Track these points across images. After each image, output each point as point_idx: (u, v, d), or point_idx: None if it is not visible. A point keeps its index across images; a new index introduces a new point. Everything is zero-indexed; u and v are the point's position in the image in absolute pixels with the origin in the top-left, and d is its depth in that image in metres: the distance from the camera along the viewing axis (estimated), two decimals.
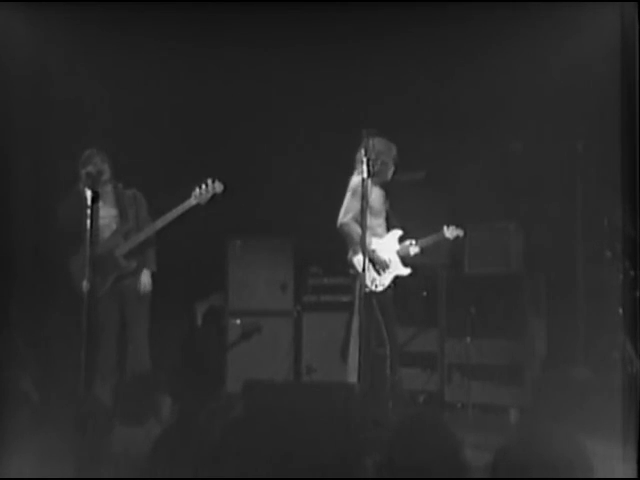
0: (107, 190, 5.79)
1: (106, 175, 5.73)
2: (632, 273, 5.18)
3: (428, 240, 6.19)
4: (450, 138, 5.87)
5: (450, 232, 6.28)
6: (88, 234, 5.00)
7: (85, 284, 5.07)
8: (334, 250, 6.92)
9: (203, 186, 5.65)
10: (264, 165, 7.25)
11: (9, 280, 6.05)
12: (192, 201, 5.63)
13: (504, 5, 5.72)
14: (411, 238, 6.13)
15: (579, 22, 5.67)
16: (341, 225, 5.97)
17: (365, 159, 4.83)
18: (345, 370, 5.94)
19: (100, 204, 5.56)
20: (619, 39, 5.08)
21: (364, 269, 4.98)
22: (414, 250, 6.12)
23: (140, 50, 6.51)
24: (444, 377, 6.74)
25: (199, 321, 7.33)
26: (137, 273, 5.81)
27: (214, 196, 5.65)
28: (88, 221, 4.99)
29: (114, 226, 5.83)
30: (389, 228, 6.17)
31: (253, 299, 7.45)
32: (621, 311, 5.32)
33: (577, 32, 5.73)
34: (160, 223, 5.68)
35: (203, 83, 7.01)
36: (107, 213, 5.84)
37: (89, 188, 5.04)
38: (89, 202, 4.98)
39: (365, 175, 4.79)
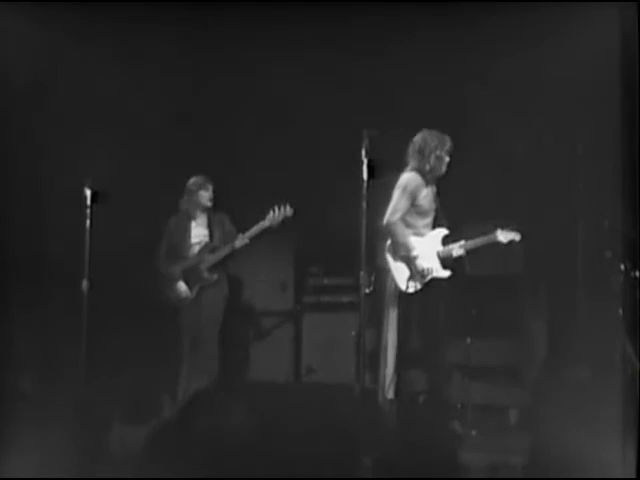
0: (204, 214, 6.54)
1: (211, 204, 6.50)
2: (632, 274, 5.17)
3: (477, 242, 5.76)
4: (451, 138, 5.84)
5: (504, 235, 5.74)
6: (88, 234, 5.02)
7: (85, 283, 5.11)
8: (334, 250, 6.97)
9: (276, 209, 6.25)
10: (264, 165, 7.24)
11: (9, 279, 6.05)
12: (266, 223, 6.24)
13: (504, 5, 5.72)
14: (457, 239, 5.78)
15: (579, 22, 5.66)
16: (387, 224, 5.68)
17: (366, 160, 4.78)
18: (376, 390, 5.62)
19: (193, 225, 6.49)
20: (619, 39, 5.08)
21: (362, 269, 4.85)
22: (458, 252, 5.76)
23: (141, 50, 6.52)
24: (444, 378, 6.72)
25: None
26: (217, 285, 6.45)
27: (285, 219, 6.24)
28: (88, 221, 5.02)
29: (203, 244, 6.51)
30: (435, 227, 5.86)
31: (253, 299, 7.44)
32: (621, 312, 5.31)
33: (577, 32, 5.72)
34: (238, 243, 6.31)
35: (203, 84, 7.03)
36: (199, 232, 6.54)
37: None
38: (88, 202, 5.01)
39: (365, 177, 4.75)
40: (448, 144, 5.70)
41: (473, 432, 5.60)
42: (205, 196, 6.47)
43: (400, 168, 5.81)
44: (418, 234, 5.74)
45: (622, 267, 5.33)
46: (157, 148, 7.08)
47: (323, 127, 6.94)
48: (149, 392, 5.72)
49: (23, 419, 4.73)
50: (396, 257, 5.71)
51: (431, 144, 5.67)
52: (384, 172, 5.61)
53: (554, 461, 3.99)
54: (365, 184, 4.63)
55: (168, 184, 6.89)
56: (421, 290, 5.66)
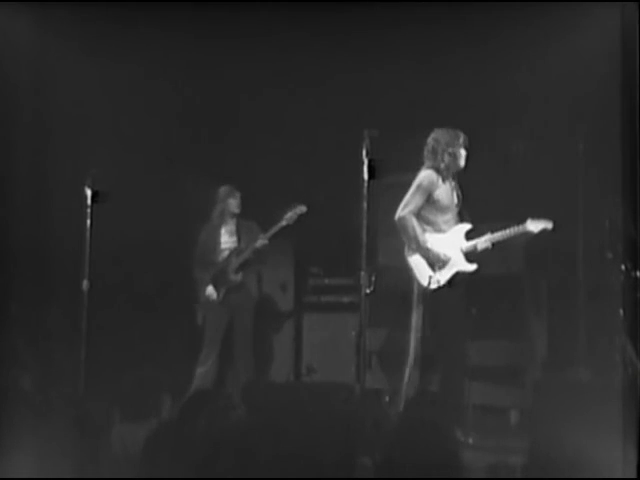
0: (233, 222, 6.89)
1: (238, 210, 6.85)
2: (633, 274, 5.16)
3: (505, 234, 5.60)
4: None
5: (535, 225, 5.55)
6: (88, 233, 5.03)
7: (85, 283, 5.11)
8: (335, 250, 6.97)
9: (292, 210, 6.59)
10: (264, 165, 7.24)
11: (9, 279, 6.05)
12: (283, 222, 6.59)
13: (504, 5, 5.71)
14: (482, 234, 5.67)
15: (579, 22, 5.66)
16: (398, 219, 5.65)
17: (367, 160, 4.77)
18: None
19: (223, 231, 6.86)
20: (619, 39, 5.08)
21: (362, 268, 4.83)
22: (482, 246, 5.64)
23: (142, 50, 6.51)
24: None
25: (199, 321, 7.33)
26: (244, 287, 6.85)
27: (299, 216, 6.56)
28: (88, 221, 5.03)
29: (232, 249, 6.88)
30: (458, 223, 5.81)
31: (253, 299, 7.43)
32: (622, 312, 5.30)
33: (577, 32, 5.72)
34: (259, 243, 6.66)
35: (205, 84, 7.03)
36: (228, 239, 6.89)
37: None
38: (89, 202, 5.02)
39: (366, 177, 4.74)
40: (461, 138, 5.70)
41: (473, 433, 5.58)
42: (233, 203, 6.82)
43: (403, 168, 5.83)
44: (439, 230, 5.71)
45: (623, 267, 5.33)
46: (158, 147, 7.08)
47: (322, 128, 6.95)
48: (149, 392, 5.71)
49: (23, 418, 4.73)
50: (411, 253, 5.65)
51: (442, 142, 5.68)
52: (386, 173, 5.67)
53: (554, 461, 3.98)
54: (366, 184, 4.63)
55: (169, 183, 6.89)
56: (446, 286, 5.62)
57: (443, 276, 5.63)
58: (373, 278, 5.49)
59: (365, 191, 4.71)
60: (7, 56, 5.99)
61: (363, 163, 4.75)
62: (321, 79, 6.75)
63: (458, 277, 5.65)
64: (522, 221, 5.58)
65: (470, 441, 5.24)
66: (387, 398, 5.96)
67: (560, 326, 6.44)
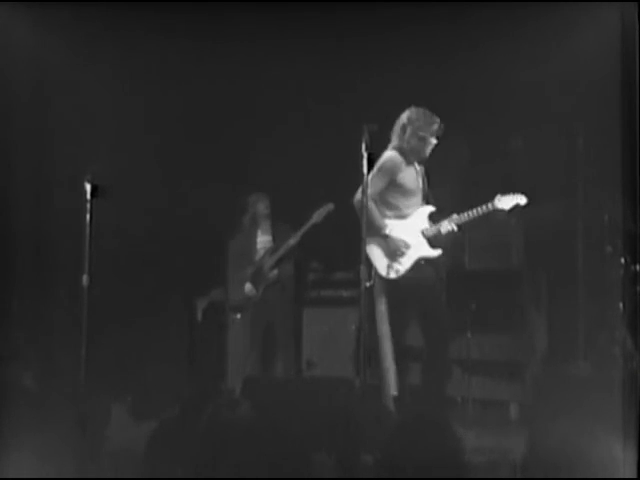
0: (267, 223, 7.18)
1: (268, 211, 7.18)
2: (632, 268, 5.16)
3: (471, 214, 5.28)
4: (450, 135, 5.81)
5: (505, 202, 5.18)
6: (88, 228, 5.03)
7: (85, 278, 5.11)
8: (334, 245, 6.97)
9: (322, 208, 6.75)
10: (263, 161, 7.25)
11: (10, 276, 6.05)
12: (313, 220, 6.77)
13: (504, 4, 5.70)
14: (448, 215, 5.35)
15: (579, 22, 5.64)
16: (355, 202, 5.35)
17: (366, 154, 4.73)
18: (377, 386, 5.38)
19: (259, 232, 7.19)
20: (619, 39, 5.07)
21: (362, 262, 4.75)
22: (447, 228, 5.32)
23: (143, 50, 6.51)
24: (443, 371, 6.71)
25: (199, 317, 7.38)
26: (278, 283, 7.09)
27: (328, 213, 6.71)
28: (87, 215, 5.03)
29: (267, 249, 7.16)
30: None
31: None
32: (621, 306, 5.31)
33: (577, 32, 5.71)
34: (292, 241, 6.92)
35: (204, 83, 7.02)
36: (263, 239, 7.19)
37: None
38: (88, 197, 5.03)
39: (365, 170, 4.71)
40: (435, 126, 5.36)
41: (472, 428, 5.59)
42: (262, 206, 7.16)
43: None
44: (401, 216, 5.46)
45: (622, 261, 5.33)
46: (157, 142, 7.08)
47: (321, 121, 6.95)
48: (151, 388, 5.73)
49: (23, 415, 4.73)
50: (369, 240, 5.08)
51: (415, 122, 5.39)
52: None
53: (553, 455, 3.98)
54: (365, 178, 4.62)
55: (168, 178, 6.89)
56: (408, 274, 5.34)
57: (403, 264, 5.39)
58: (373, 272, 5.44)
59: (364, 185, 4.69)
60: (7, 56, 5.98)
61: (363, 157, 4.73)
62: (319, 75, 6.75)
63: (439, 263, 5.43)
64: (490, 199, 5.27)
65: (469, 436, 5.24)
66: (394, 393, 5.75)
67: (560, 320, 6.45)
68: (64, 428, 4.53)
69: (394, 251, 5.38)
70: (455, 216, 5.35)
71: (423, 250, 5.40)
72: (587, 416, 4.27)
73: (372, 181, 5.08)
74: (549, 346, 6.54)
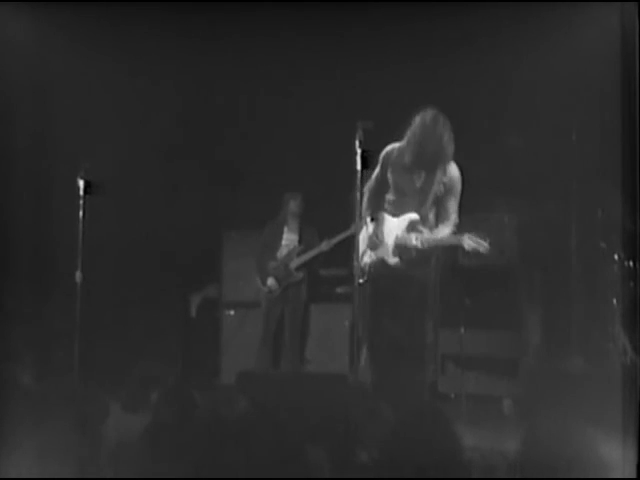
0: (296, 222, 7.35)
1: (299, 210, 7.34)
2: (627, 264, 5.17)
3: (438, 241, 5.33)
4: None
5: (469, 242, 5.16)
6: (80, 224, 5.03)
7: (78, 275, 5.11)
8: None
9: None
10: (261, 158, 7.25)
11: (7, 276, 6.05)
12: (350, 231, 6.51)
13: (504, 4, 5.70)
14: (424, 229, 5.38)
15: (579, 22, 5.64)
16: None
17: (360, 151, 4.74)
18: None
19: (285, 230, 7.36)
20: (619, 39, 5.07)
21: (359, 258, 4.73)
22: (413, 243, 5.33)
23: (143, 50, 6.51)
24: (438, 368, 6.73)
25: (193, 312, 7.39)
26: (302, 283, 7.28)
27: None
28: (80, 212, 5.04)
29: (292, 247, 7.33)
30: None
31: (247, 290, 7.44)
32: (615, 302, 5.32)
33: (577, 32, 5.71)
34: (325, 246, 7.13)
35: (200, 82, 7.03)
36: (290, 237, 7.36)
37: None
38: (82, 192, 5.03)
39: (359, 167, 4.71)
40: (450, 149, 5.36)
41: (465, 423, 5.59)
42: (294, 205, 7.29)
43: None
44: (393, 214, 5.49)
45: (616, 257, 5.34)
46: (152, 139, 7.08)
47: (316, 120, 6.95)
48: (146, 384, 5.72)
49: (20, 413, 4.73)
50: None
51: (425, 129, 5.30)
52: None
53: (548, 451, 3.99)
54: (359, 175, 4.62)
55: (162, 175, 6.88)
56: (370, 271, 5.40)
57: (370, 258, 5.47)
58: (367, 268, 5.49)
59: (358, 182, 4.70)
60: (6, 56, 5.97)
61: (356, 154, 4.74)
62: (316, 75, 6.75)
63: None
64: (461, 232, 5.25)
65: (462, 432, 5.24)
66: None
67: (554, 316, 6.46)
68: (60, 423, 4.53)
69: (369, 243, 5.47)
70: (426, 235, 5.34)
71: (385, 253, 5.45)
72: (581, 412, 4.28)
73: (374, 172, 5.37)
74: (543, 342, 6.55)
